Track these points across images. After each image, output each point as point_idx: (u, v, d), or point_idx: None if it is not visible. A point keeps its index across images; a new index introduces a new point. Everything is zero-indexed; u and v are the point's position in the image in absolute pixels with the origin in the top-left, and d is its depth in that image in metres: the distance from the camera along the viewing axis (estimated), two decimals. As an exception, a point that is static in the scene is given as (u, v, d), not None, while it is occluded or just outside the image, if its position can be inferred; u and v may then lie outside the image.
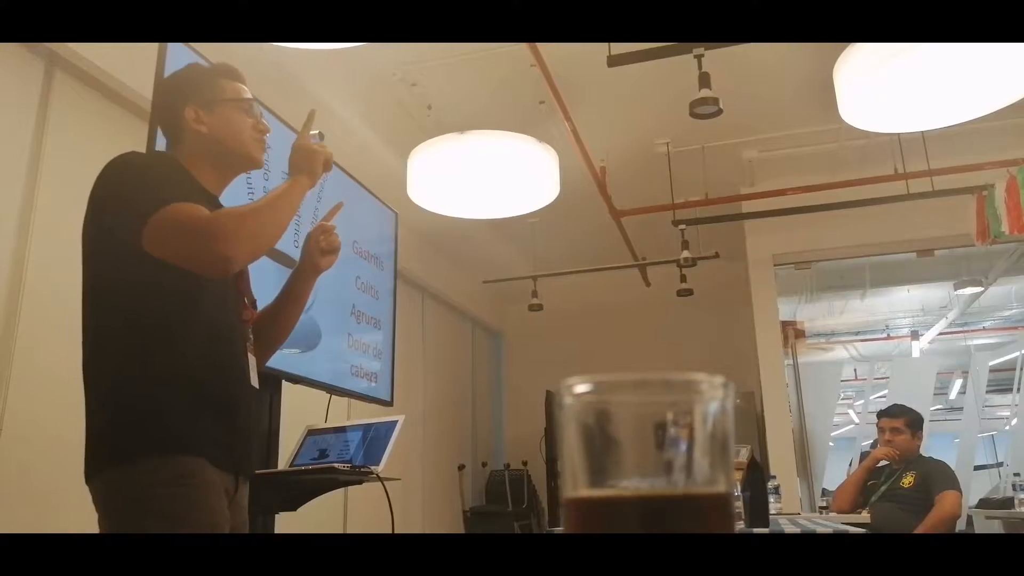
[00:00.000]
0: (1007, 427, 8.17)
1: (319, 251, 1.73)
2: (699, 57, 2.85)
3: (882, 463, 3.75)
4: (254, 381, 1.58)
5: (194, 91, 1.58)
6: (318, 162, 1.62)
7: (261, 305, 1.72)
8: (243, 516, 1.53)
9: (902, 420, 3.64)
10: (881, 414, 3.78)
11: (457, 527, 5.86)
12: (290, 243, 2.50)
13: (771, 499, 2.78)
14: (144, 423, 1.35)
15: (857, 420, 8.77)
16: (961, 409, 8.13)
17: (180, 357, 1.40)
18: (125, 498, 1.32)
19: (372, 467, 2.11)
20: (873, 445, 4.29)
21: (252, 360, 1.59)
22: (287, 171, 1.62)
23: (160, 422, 1.36)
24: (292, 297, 1.73)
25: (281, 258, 2.44)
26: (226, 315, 1.53)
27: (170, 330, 1.41)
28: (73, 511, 2.48)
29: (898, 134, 3.87)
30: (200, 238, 1.36)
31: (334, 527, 4.23)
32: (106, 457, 1.35)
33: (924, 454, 3.72)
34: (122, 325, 1.41)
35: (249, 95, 1.65)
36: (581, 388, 0.38)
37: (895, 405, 3.86)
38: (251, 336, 1.62)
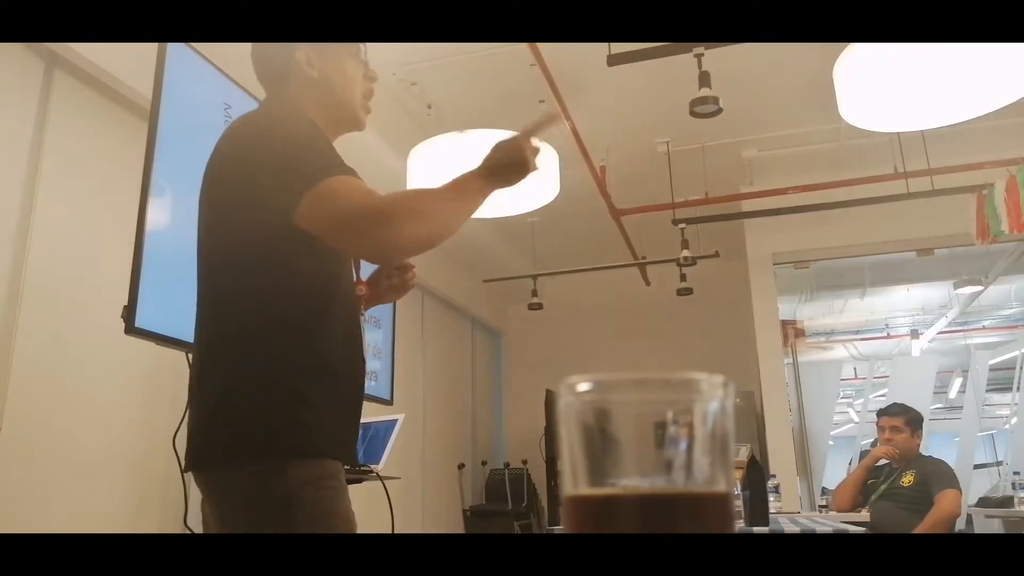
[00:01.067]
0: (1007, 426, 8.16)
1: (388, 287, 1.54)
2: (699, 56, 2.85)
3: (882, 462, 3.75)
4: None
5: None
6: (520, 169, 1.39)
7: None
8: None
9: (901, 419, 3.65)
10: (881, 413, 3.78)
11: (457, 526, 5.86)
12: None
13: (771, 498, 2.79)
14: (288, 420, 1.21)
15: (857, 419, 8.78)
16: (961, 408, 8.13)
17: (323, 346, 1.26)
18: (270, 497, 1.18)
19: (372, 466, 2.11)
20: (873, 444, 4.29)
21: (364, 337, 1.44)
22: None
23: (305, 421, 1.22)
24: None
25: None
26: (353, 298, 1.39)
27: (315, 317, 1.27)
28: (72, 510, 2.49)
29: (898, 133, 3.87)
30: (366, 220, 1.20)
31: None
32: (240, 452, 1.20)
33: (924, 453, 3.72)
34: (262, 308, 1.24)
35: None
36: (581, 387, 0.38)
37: (894, 404, 3.86)
38: (364, 312, 1.47)
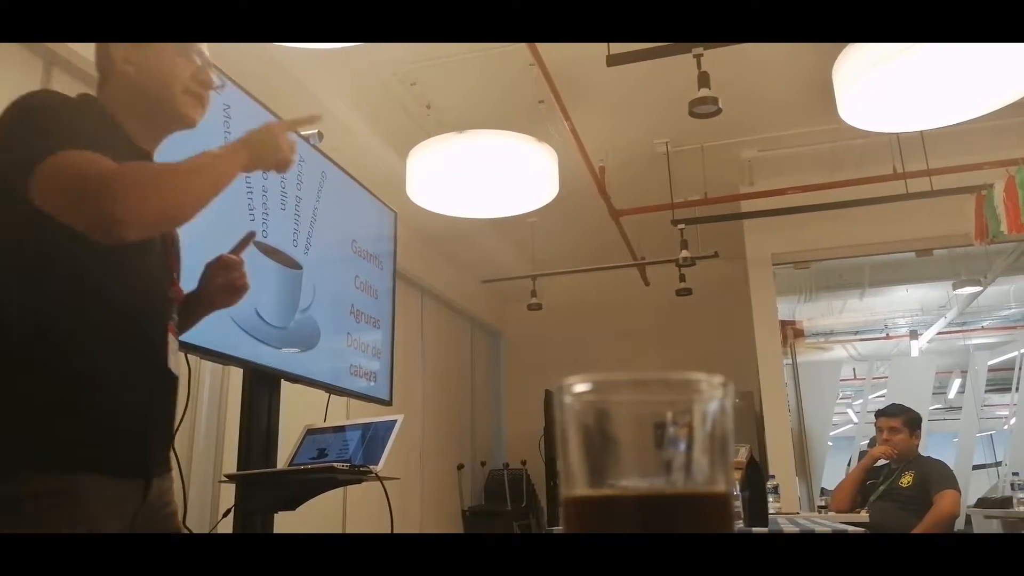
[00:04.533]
0: (1006, 426, 8.17)
1: (216, 287, 1.50)
2: (698, 57, 2.85)
3: (881, 462, 3.76)
4: (172, 365, 1.35)
5: None
6: (273, 154, 1.36)
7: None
8: (162, 520, 1.34)
9: (900, 419, 3.65)
10: (879, 414, 3.79)
11: (456, 526, 5.86)
12: (288, 241, 2.50)
13: (770, 498, 2.79)
14: (26, 430, 1.12)
15: (856, 419, 8.79)
16: (960, 408, 8.13)
17: (78, 341, 1.18)
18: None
19: (371, 466, 2.11)
20: (871, 444, 4.30)
21: (174, 342, 1.37)
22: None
23: (45, 430, 1.13)
24: (184, 321, 1.49)
25: (281, 258, 2.44)
26: (144, 289, 1.31)
27: (64, 310, 1.17)
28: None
29: (897, 134, 3.88)
30: (88, 193, 1.12)
31: (333, 526, 4.23)
32: None
33: (923, 453, 3.72)
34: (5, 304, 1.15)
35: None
36: (580, 387, 0.38)
37: (893, 404, 3.87)
38: (176, 316, 1.40)
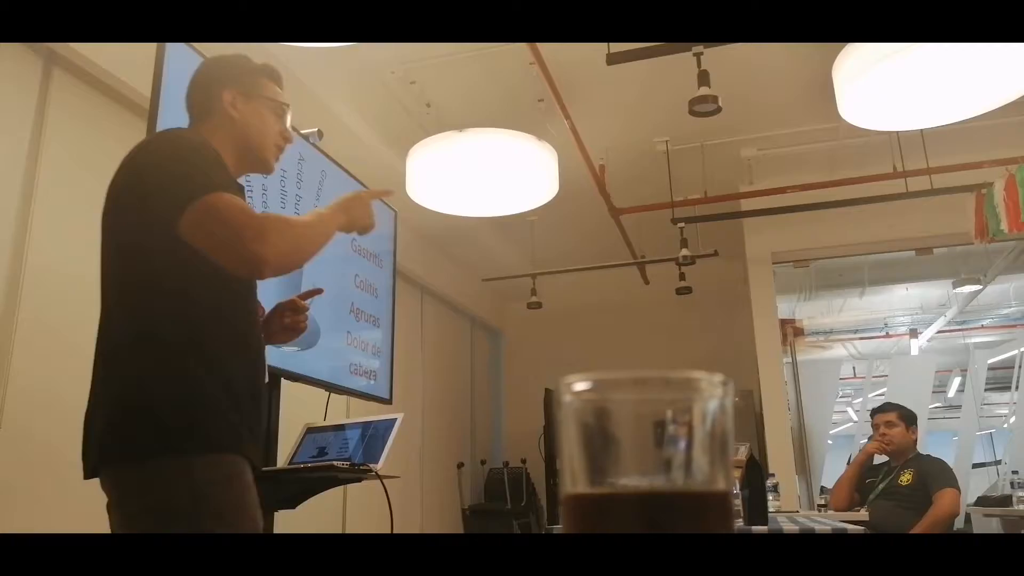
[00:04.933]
0: (1006, 425, 8.17)
1: (280, 325, 1.69)
2: (698, 55, 2.85)
3: (879, 460, 3.77)
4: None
5: (237, 78, 1.57)
6: (363, 219, 1.59)
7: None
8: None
9: (895, 413, 3.70)
10: (874, 412, 3.84)
11: (456, 525, 5.86)
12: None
13: (770, 497, 2.79)
14: (191, 418, 1.30)
15: (856, 418, 8.78)
16: (960, 407, 8.12)
17: (215, 348, 1.36)
18: (174, 493, 1.26)
19: (371, 465, 2.11)
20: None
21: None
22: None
23: (206, 419, 1.32)
24: None
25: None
26: (254, 311, 1.52)
27: (207, 323, 1.37)
28: (69, 512, 2.49)
29: (897, 132, 3.87)
30: (242, 234, 1.31)
31: (333, 525, 4.24)
32: (140, 450, 1.28)
33: (922, 452, 3.73)
34: (155, 314, 1.35)
35: (286, 101, 1.64)
36: (580, 386, 0.38)
37: (886, 403, 3.95)
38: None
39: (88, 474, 1.33)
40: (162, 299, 1.36)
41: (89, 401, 1.37)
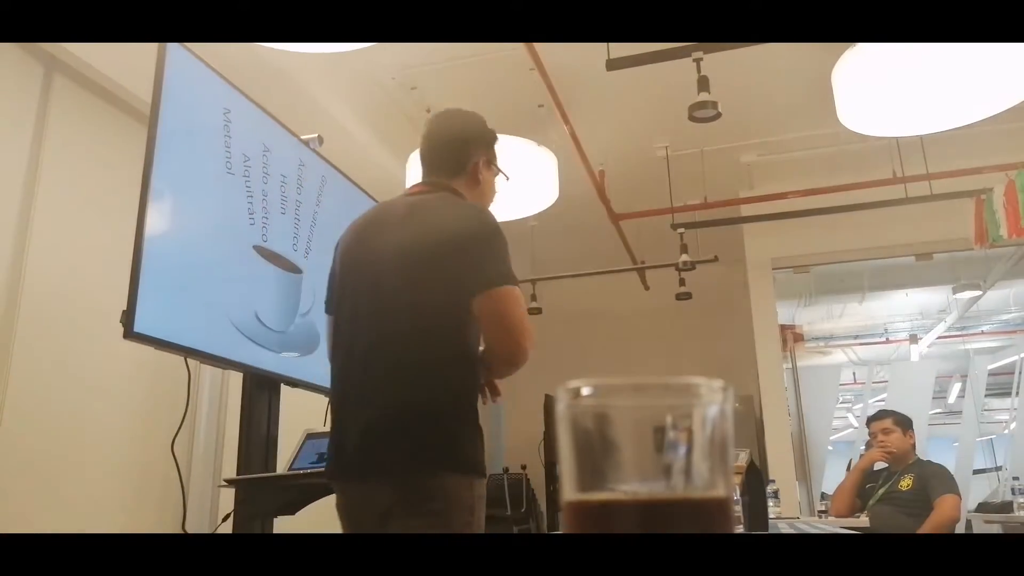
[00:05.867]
0: (1006, 431, 8.17)
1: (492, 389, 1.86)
2: (698, 61, 2.85)
3: (879, 466, 3.77)
4: None
5: (490, 144, 1.73)
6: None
7: None
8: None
9: (890, 419, 3.72)
10: (870, 420, 3.87)
11: (456, 531, 5.84)
12: (289, 245, 2.50)
13: (770, 503, 2.79)
14: (477, 444, 1.67)
15: (856, 424, 8.77)
16: (960, 413, 8.13)
17: (471, 386, 1.67)
18: (462, 505, 1.58)
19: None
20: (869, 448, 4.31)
21: None
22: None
23: (481, 445, 1.66)
24: None
25: (281, 262, 2.44)
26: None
27: (468, 362, 1.66)
28: (69, 512, 2.48)
29: (896, 138, 3.88)
30: (522, 330, 1.59)
31: (332, 531, 4.22)
32: (458, 465, 1.60)
33: (923, 458, 3.73)
34: (437, 344, 1.61)
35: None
36: (580, 392, 0.37)
37: (880, 410, 4.00)
38: None
39: (362, 476, 1.63)
40: (442, 336, 1.61)
41: (355, 401, 1.60)
